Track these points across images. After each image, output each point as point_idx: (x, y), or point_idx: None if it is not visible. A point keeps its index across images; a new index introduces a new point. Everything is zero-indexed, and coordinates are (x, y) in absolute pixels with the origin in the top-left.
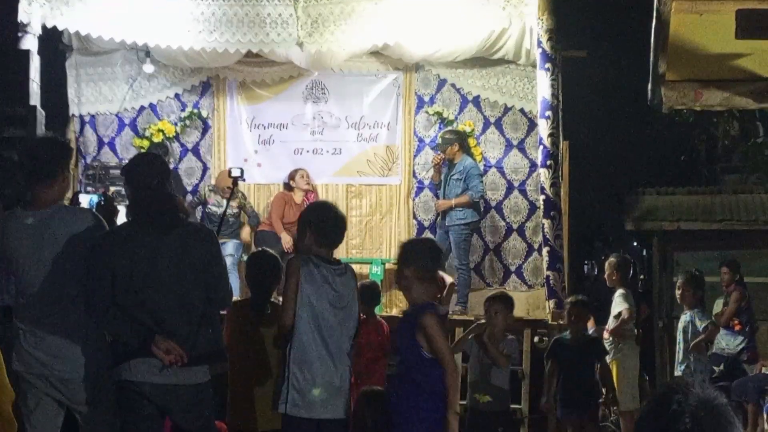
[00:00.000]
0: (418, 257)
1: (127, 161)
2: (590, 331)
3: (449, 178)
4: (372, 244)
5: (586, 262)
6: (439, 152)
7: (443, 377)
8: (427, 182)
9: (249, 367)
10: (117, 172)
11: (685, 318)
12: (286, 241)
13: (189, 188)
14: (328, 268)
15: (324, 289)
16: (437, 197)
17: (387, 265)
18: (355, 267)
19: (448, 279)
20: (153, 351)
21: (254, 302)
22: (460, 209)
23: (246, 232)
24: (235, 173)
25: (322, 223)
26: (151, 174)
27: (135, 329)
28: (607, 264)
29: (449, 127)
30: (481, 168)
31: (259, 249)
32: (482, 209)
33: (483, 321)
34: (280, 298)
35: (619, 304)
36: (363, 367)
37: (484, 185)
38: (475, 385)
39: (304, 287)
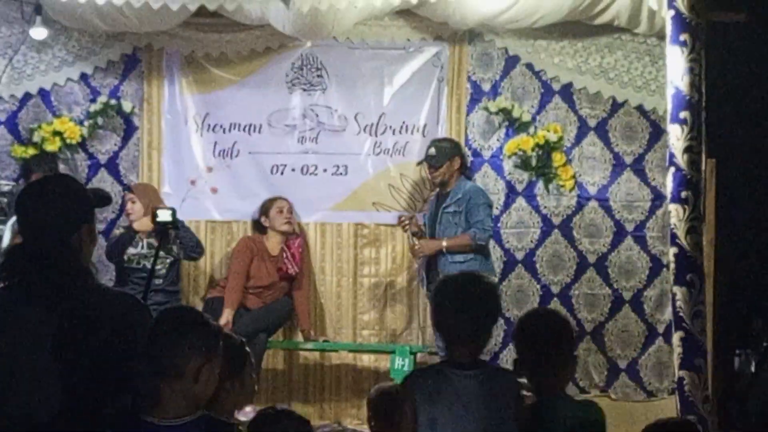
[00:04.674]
0: None
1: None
2: None
3: (440, 213)
4: (396, 322)
5: (737, 351)
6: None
7: None
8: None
9: None
10: None
11: None
12: (225, 319)
13: (100, 226)
14: (461, 378)
15: (456, 416)
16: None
17: (419, 356)
18: (368, 357)
19: None
20: None
21: None
22: (460, 259)
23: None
24: (163, 217)
25: (439, 304)
26: (63, 215)
27: None
28: None
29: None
30: (571, 197)
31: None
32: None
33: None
34: None
35: None
36: None
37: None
38: None
39: (423, 418)
